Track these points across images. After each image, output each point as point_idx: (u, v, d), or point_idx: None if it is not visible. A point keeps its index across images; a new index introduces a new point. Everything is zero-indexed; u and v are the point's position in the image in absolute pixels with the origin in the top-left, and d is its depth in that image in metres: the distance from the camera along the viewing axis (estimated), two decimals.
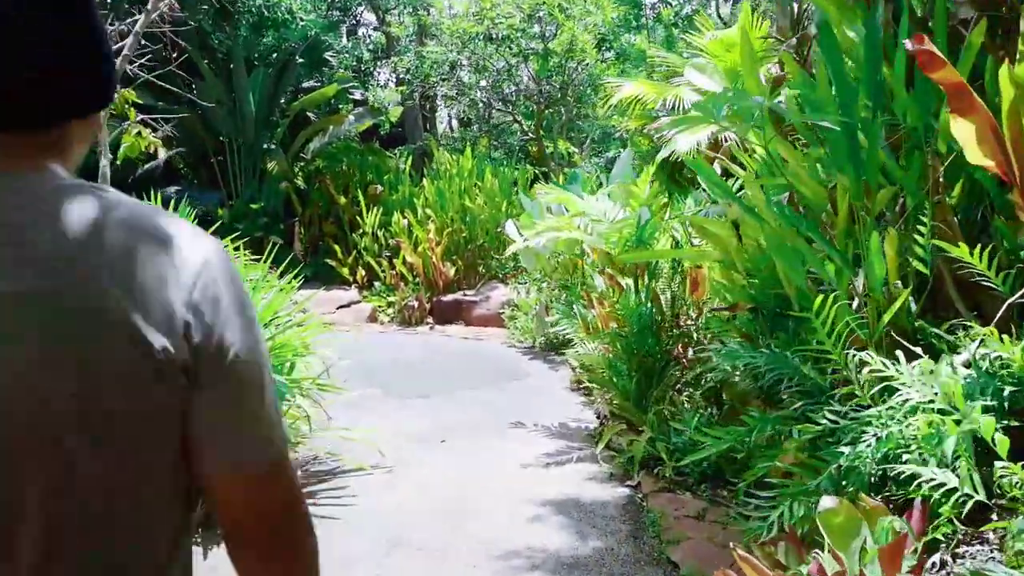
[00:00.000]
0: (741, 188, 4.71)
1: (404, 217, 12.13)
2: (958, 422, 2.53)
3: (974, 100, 2.78)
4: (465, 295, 11.17)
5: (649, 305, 5.57)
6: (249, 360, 0.91)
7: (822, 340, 3.18)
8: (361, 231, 12.68)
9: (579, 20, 13.31)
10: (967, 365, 2.88)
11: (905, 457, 2.61)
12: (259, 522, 0.95)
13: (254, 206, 13.26)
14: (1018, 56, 3.15)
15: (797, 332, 3.90)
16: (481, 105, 16.09)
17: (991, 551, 2.48)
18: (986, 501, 2.43)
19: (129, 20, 6.10)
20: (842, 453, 2.83)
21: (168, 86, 6.84)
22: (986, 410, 2.45)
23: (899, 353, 2.95)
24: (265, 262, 5.49)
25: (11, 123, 0.87)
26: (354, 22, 19.98)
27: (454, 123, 21.31)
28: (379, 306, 11.53)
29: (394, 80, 17.58)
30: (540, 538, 3.97)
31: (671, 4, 17.79)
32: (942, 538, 2.41)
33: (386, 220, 12.56)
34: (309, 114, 14.96)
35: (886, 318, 3.23)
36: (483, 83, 14.93)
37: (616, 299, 5.86)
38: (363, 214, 12.67)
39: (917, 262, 3.44)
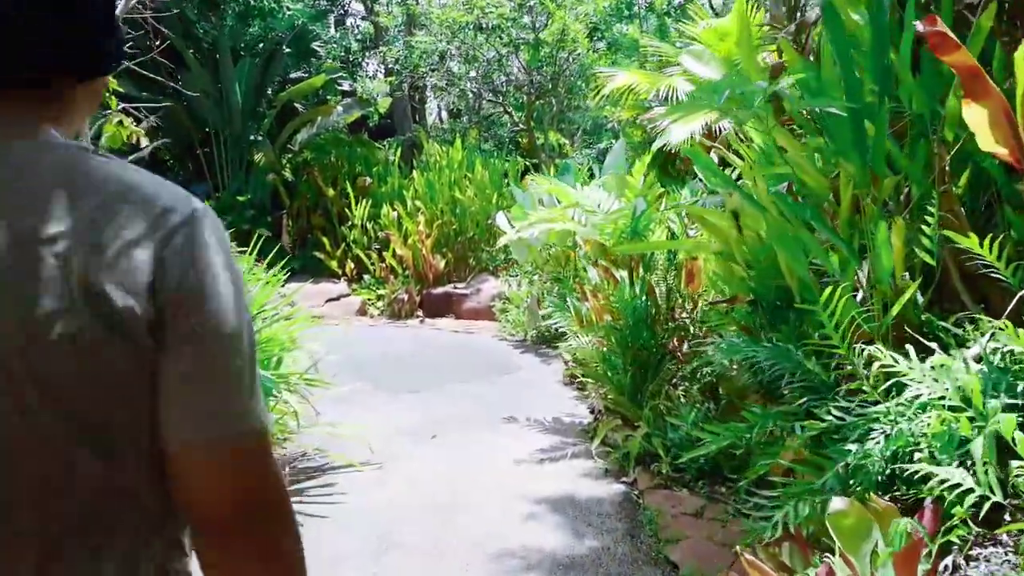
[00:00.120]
0: (739, 178, 4.60)
1: (393, 209, 11.99)
2: (971, 419, 2.43)
3: (988, 85, 2.68)
4: (455, 288, 11.04)
5: (644, 298, 5.47)
6: (221, 321, 0.85)
7: (829, 333, 3.07)
8: (350, 223, 12.54)
9: (570, 9, 13.16)
10: (978, 359, 2.78)
11: (916, 456, 2.51)
12: (228, 510, 0.86)
13: (241, 198, 13.07)
14: None
15: (799, 325, 3.80)
16: (471, 96, 15.94)
17: (1006, 553, 2.39)
18: (1001, 501, 2.33)
19: None
20: (849, 451, 2.73)
21: (152, 75, 6.69)
22: (1005, 408, 2.35)
23: (909, 347, 2.85)
24: (252, 255, 5.37)
25: (22, 67, 0.86)
26: (342, 12, 19.73)
27: (443, 114, 21.13)
28: (368, 299, 11.39)
29: (383, 71, 17.37)
30: (535, 537, 3.86)
31: None
32: (956, 540, 2.31)
33: (375, 212, 12.41)
34: (297, 105, 14.76)
35: (894, 311, 3.13)
36: (473, 74, 14.77)
37: (611, 291, 5.75)
38: (352, 206, 12.52)
39: (924, 253, 3.35)
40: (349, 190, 12.80)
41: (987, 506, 2.24)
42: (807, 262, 3.57)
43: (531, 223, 6.72)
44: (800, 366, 3.43)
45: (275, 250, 5.99)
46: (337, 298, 11.36)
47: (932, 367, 2.69)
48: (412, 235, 11.43)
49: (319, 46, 15.84)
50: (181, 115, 12.72)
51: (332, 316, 10.29)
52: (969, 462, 2.39)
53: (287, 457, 4.97)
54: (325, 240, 12.84)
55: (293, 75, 15.21)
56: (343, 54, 16.57)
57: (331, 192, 13.45)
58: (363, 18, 19.49)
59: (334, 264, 12.49)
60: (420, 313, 10.85)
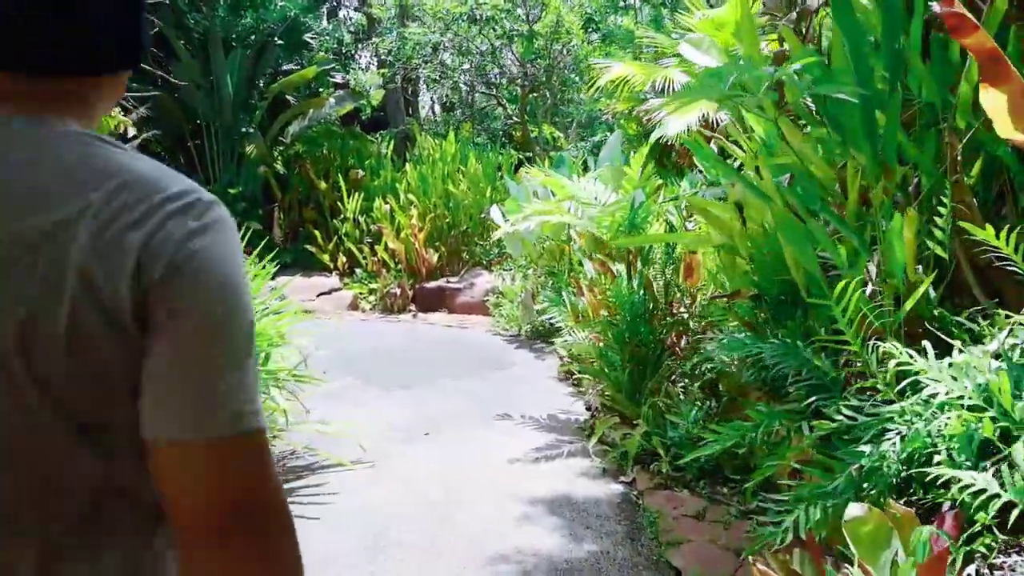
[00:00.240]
0: (740, 168, 4.48)
1: (386, 202, 11.84)
2: (994, 419, 2.31)
3: (1009, 68, 2.55)
4: (448, 282, 10.90)
5: (642, 292, 5.34)
6: (213, 308, 0.82)
7: (841, 329, 2.94)
8: (342, 217, 12.40)
9: (565, 0, 13.02)
10: (996, 356, 2.66)
11: (936, 458, 2.39)
12: (216, 512, 0.81)
13: (232, 191, 12.89)
14: None
15: (804, 320, 3.67)
16: (464, 89, 15.79)
17: None
18: None
19: None
20: (862, 452, 2.60)
21: (142, 65, 6.54)
22: None
23: (926, 343, 2.72)
24: (243, 248, 5.23)
25: (22, 66, 0.85)
26: (334, 3, 19.52)
27: (437, 107, 20.97)
28: (360, 293, 11.25)
29: (375, 63, 17.22)
30: (531, 539, 3.73)
31: None
32: (982, 549, 2.19)
33: (367, 206, 12.28)
34: (288, 97, 14.58)
35: (907, 305, 3.00)
36: (466, 66, 14.63)
37: (607, 286, 5.62)
38: (344, 199, 12.37)
39: (936, 245, 3.22)
40: (341, 183, 12.65)
41: (1016, 513, 2.11)
42: (815, 255, 3.44)
43: (526, 215, 6.58)
44: (807, 363, 3.31)
45: (264, 242, 5.84)
46: (329, 292, 11.21)
47: (951, 365, 2.56)
48: (405, 229, 11.29)
49: (311, 37, 15.64)
50: (171, 106, 12.55)
51: (324, 310, 10.14)
52: (991, 465, 2.27)
53: (276, 456, 4.83)
54: (317, 233, 12.69)
55: (285, 67, 15.01)
56: (335, 46, 16.37)
57: (323, 185, 13.30)
58: (356, 9, 19.32)
59: (326, 258, 12.35)
60: (413, 307, 10.71)
